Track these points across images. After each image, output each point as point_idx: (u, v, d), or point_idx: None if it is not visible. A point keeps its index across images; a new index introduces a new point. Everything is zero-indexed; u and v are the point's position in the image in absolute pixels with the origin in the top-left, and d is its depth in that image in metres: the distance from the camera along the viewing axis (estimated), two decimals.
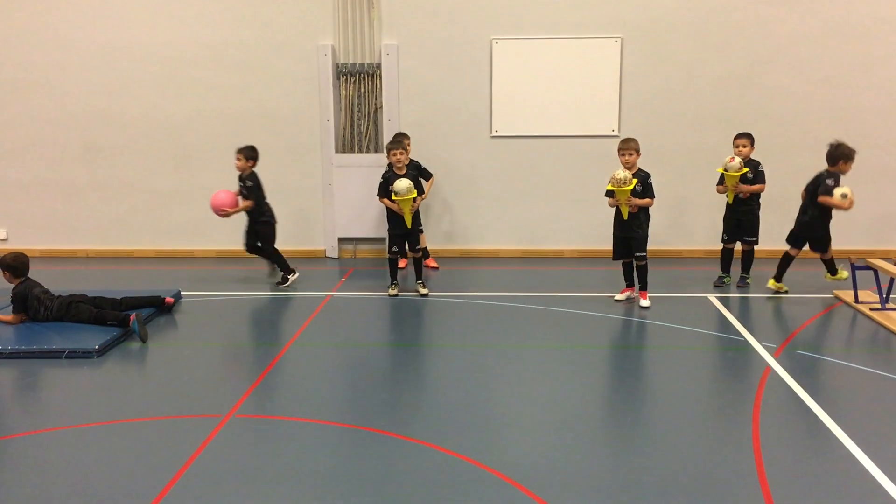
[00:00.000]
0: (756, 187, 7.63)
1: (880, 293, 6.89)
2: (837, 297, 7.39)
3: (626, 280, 7.41)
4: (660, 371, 5.60)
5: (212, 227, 9.65)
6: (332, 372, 5.75)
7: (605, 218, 9.38)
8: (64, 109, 9.49)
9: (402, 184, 7.39)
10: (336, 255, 9.63)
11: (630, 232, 7.08)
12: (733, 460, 4.18)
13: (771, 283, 7.68)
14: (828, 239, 7.43)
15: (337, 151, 9.43)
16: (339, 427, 4.70)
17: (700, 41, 9.03)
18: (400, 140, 7.87)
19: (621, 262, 7.35)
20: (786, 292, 7.58)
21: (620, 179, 6.93)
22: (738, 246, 7.90)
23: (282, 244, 9.68)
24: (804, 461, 4.19)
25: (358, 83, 9.35)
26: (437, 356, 5.99)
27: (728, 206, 7.79)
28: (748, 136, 7.70)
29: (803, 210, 7.53)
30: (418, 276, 7.88)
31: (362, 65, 9.28)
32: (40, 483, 4.04)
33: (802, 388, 5.17)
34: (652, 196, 7.06)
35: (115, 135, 9.52)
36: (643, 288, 7.21)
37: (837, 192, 7.16)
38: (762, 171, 7.65)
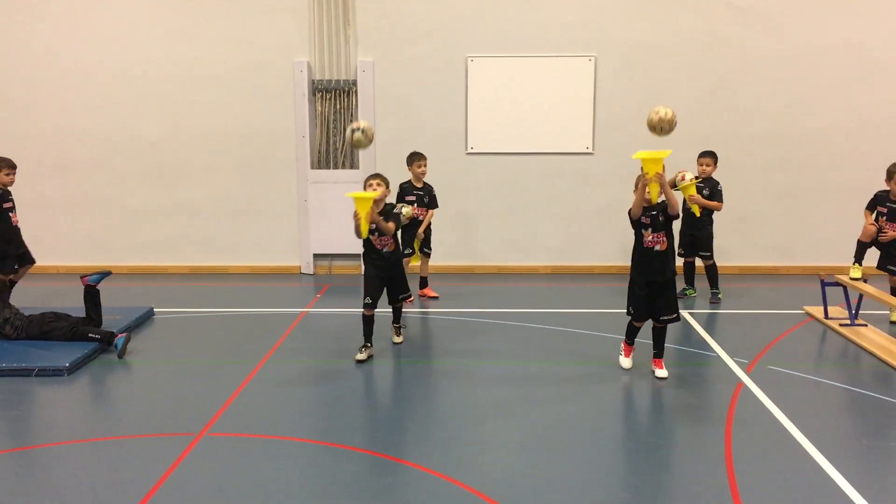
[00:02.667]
0: (712, 203, 7.68)
1: (849, 309, 6.99)
2: (808, 313, 7.49)
3: (629, 337, 5.91)
4: (633, 386, 5.63)
5: (185, 243, 9.61)
6: (307, 389, 5.72)
7: (578, 234, 9.47)
8: (36, 126, 9.41)
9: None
10: (311, 272, 9.60)
11: (663, 274, 5.53)
12: (705, 475, 4.21)
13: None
14: None
15: (312, 167, 9.43)
16: (313, 444, 4.68)
17: (672, 61, 9.16)
18: (422, 153, 7.96)
19: (637, 324, 5.78)
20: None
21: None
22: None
23: (256, 261, 9.67)
24: (776, 476, 4.23)
25: (333, 100, 9.37)
26: (413, 373, 5.98)
27: (683, 221, 7.78)
28: (711, 154, 7.83)
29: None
30: (396, 317, 6.59)
31: (338, 81, 9.30)
32: (9, 503, 3.98)
33: (774, 403, 5.22)
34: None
35: (88, 152, 9.45)
36: (660, 355, 5.74)
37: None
38: (720, 191, 7.74)
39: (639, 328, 5.77)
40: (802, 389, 5.57)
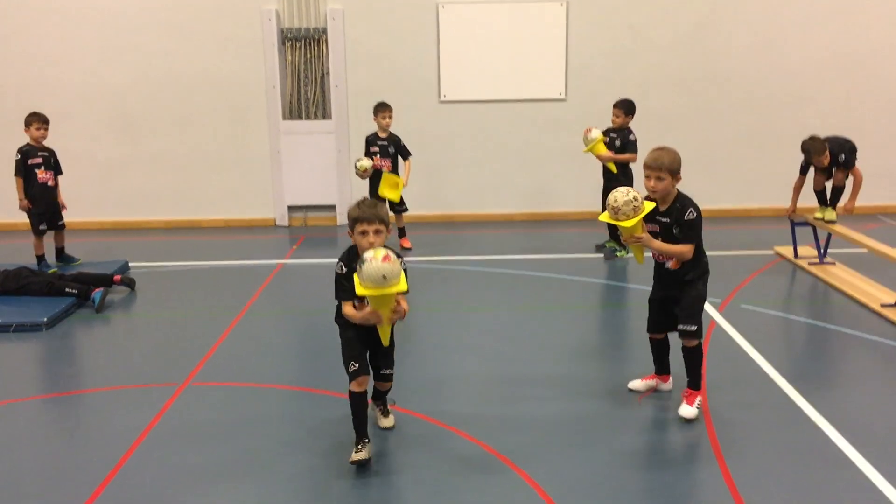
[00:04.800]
0: (624, 157, 7.40)
1: (818, 248, 7.15)
2: (778, 254, 7.64)
3: (655, 362, 4.63)
4: (607, 327, 5.75)
5: (157, 196, 9.51)
6: (286, 339, 5.77)
7: (552, 180, 9.52)
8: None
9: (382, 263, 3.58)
10: (286, 224, 9.57)
11: (673, 290, 4.34)
12: (679, 402, 4.34)
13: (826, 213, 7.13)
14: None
15: (284, 118, 9.34)
16: (294, 391, 4.75)
17: (644, 4, 9.13)
18: (387, 103, 7.88)
19: (652, 336, 4.57)
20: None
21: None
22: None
23: (230, 213, 9.62)
24: (745, 403, 4.41)
25: (304, 49, 9.24)
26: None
27: (603, 176, 7.64)
28: (621, 104, 7.52)
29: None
30: (383, 400, 4.29)
31: (308, 30, 9.17)
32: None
33: (745, 339, 5.37)
34: (691, 237, 4.21)
35: (54, 103, 9.24)
36: (692, 385, 4.35)
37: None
38: (632, 141, 7.42)
39: (657, 344, 4.57)
40: (772, 326, 5.73)
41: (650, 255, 4.39)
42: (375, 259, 3.50)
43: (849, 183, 6.88)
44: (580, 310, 6.23)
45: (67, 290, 6.27)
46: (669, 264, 4.27)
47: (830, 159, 6.80)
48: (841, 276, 6.76)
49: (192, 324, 6.02)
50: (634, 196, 4.09)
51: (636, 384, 4.61)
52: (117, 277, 6.73)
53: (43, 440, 4.21)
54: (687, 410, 4.25)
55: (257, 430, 4.21)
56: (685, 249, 4.14)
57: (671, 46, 9.18)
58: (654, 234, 4.23)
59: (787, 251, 7.49)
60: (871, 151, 8.13)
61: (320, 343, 5.55)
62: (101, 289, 6.32)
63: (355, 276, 3.59)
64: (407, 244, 8.16)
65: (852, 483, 3.62)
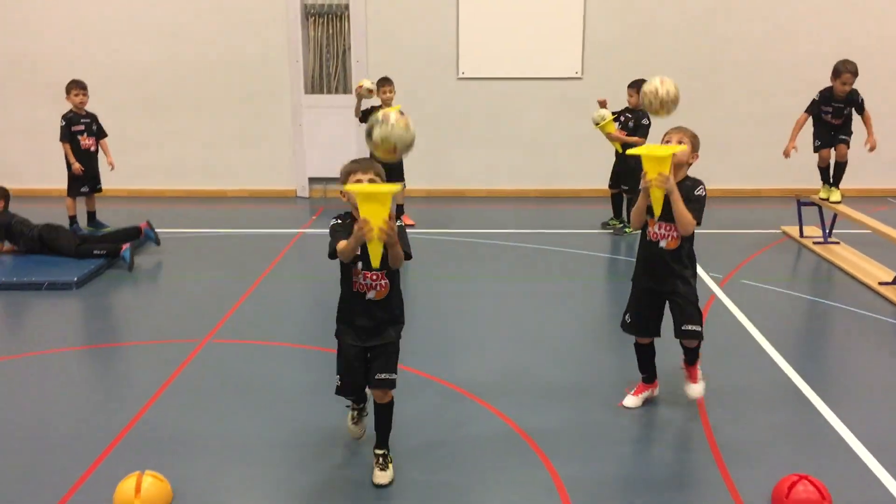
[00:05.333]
0: (633, 139, 7.48)
1: (823, 228, 7.30)
2: (784, 233, 7.80)
3: (641, 369, 4.28)
4: (610, 299, 5.97)
5: (182, 168, 9.82)
6: (303, 302, 6.06)
7: (565, 158, 9.70)
8: (27, 52, 9.51)
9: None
10: (307, 195, 9.85)
11: (666, 284, 4.01)
12: (673, 375, 4.56)
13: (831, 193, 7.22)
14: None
15: (306, 93, 9.59)
16: (309, 349, 5.03)
17: None
18: (388, 78, 7.97)
19: (639, 340, 4.21)
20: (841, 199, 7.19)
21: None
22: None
23: (253, 185, 9.91)
24: (737, 372, 4.61)
25: (326, 24, 9.48)
26: (404, 288, 6.30)
27: (616, 154, 7.80)
28: (636, 84, 7.52)
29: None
30: (381, 440, 3.60)
31: (330, 6, 9.39)
32: (26, 403, 4.33)
33: (742, 312, 5.57)
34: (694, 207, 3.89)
35: (81, 79, 9.56)
36: (690, 361, 4.16)
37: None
38: (644, 125, 7.53)
39: (644, 349, 4.22)
40: (771, 300, 5.92)
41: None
42: (398, 124, 3.30)
43: (862, 131, 6.96)
44: (588, 281, 6.46)
45: (96, 252, 6.59)
46: (664, 243, 3.95)
47: (850, 93, 6.84)
48: (843, 255, 6.92)
49: (215, 286, 6.31)
50: (675, 95, 4.32)
51: (630, 402, 4.23)
52: (144, 224, 7.05)
53: (72, 387, 4.52)
54: (695, 389, 4.12)
55: (271, 383, 4.50)
56: (693, 220, 3.86)
57: (685, 31, 9.33)
58: (652, 213, 3.92)
59: (794, 231, 7.65)
60: (882, 139, 8.22)
61: (334, 307, 5.82)
62: (129, 245, 6.62)
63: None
64: (408, 220, 8.21)
65: (829, 440, 3.84)
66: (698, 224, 3.91)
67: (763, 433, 3.93)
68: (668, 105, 4.30)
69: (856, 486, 3.47)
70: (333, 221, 3.46)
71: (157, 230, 7.17)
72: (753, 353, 4.90)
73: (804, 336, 5.42)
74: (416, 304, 5.67)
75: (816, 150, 7.17)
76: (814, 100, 7.06)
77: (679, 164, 3.91)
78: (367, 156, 3.78)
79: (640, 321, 4.10)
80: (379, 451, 3.58)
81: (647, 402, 4.24)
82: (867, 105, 6.94)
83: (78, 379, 4.69)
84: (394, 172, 7.77)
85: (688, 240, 3.97)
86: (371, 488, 3.48)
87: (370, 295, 3.47)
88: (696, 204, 3.89)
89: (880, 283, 6.04)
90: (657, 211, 3.88)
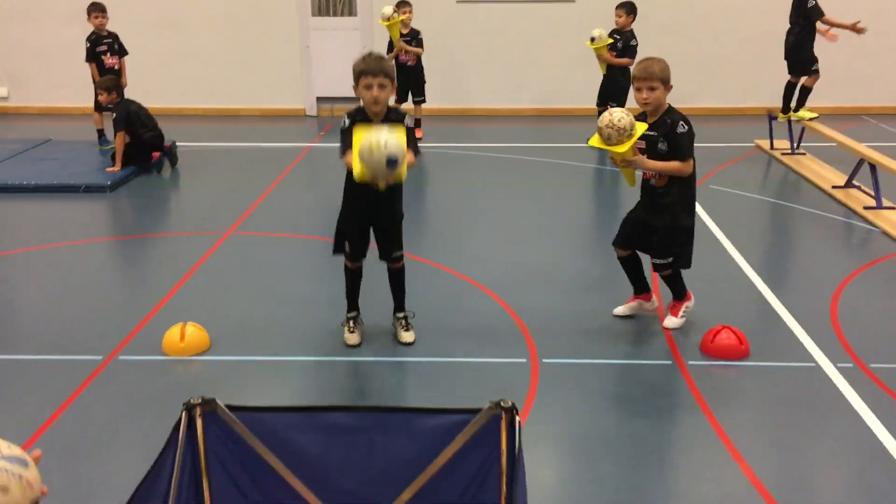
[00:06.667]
0: (621, 61, 7.85)
1: (791, 140, 7.90)
2: (757, 146, 8.40)
3: (630, 281, 4.45)
4: (600, 205, 6.64)
5: (195, 87, 10.40)
6: (312, 202, 6.76)
7: (560, 78, 10.22)
8: None
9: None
10: (315, 114, 10.46)
11: (655, 217, 4.17)
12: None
13: (801, 113, 7.61)
14: (812, 61, 7.44)
15: (313, 15, 10.11)
16: (321, 241, 5.72)
17: None
18: (407, 0, 8.56)
19: (618, 251, 4.39)
20: (817, 116, 7.58)
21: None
22: None
23: (264, 103, 10.49)
24: (699, 268, 5.29)
25: None
26: (410, 190, 6.99)
27: (604, 75, 8.23)
28: (624, 5, 7.96)
29: (789, 32, 7.54)
30: (398, 304, 4.25)
31: None
32: (82, 277, 5.08)
33: (705, 211, 6.22)
34: (680, 155, 3.97)
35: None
36: (677, 297, 4.35)
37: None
38: (633, 46, 7.86)
39: (625, 261, 4.38)
40: (732, 202, 6.59)
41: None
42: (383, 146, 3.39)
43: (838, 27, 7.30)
44: (579, 187, 7.13)
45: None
46: (654, 181, 4.08)
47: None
48: (807, 164, 7.54)
49: (234, 190, 7.00)
50: (628, 123, 3.83)
51: (620, 310, 4.45)
52: (167, 144, 7.67)
53: (118, 267, 5.29)
54: (670, 321, 4.29)
55: (286, 265, 5.23)
56: (681, 166, 3.92)
57: None
58: (641, 151, 4.02)
59: (766, 144, 8.25)
60: (863, 56, 8.79)
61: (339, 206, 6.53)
62: (158, 154, 7.36)
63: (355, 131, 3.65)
64: (419, 134, 8.88)
65: (757, 305, 4.55)
66: (686, 160, 3.91)
67: (705, 302, 4.63)
68: (624, 131, 3.85)
69: (772, 335, 4.20)
70: (342, 124, 3.76)
71: (176, 142, 7.81)
72: (710, 245, 5.58)
73: (758, 231, 6.10)
74: (429, 206, 6.35)
75: (815, 71, 7.46)
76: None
77: (657, 104, 3.95)
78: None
79: (621, 235, 4.31)
80: (400, 314, 4.16)
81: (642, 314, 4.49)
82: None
83: (123, 261, 5.46)
84: (414, 87, 8.52)
85: (677, 180, 4.00)
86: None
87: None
88: (678, 143, 3.89)
89: (833, 187, 6.69)
90: (630, 183, 4.15)
